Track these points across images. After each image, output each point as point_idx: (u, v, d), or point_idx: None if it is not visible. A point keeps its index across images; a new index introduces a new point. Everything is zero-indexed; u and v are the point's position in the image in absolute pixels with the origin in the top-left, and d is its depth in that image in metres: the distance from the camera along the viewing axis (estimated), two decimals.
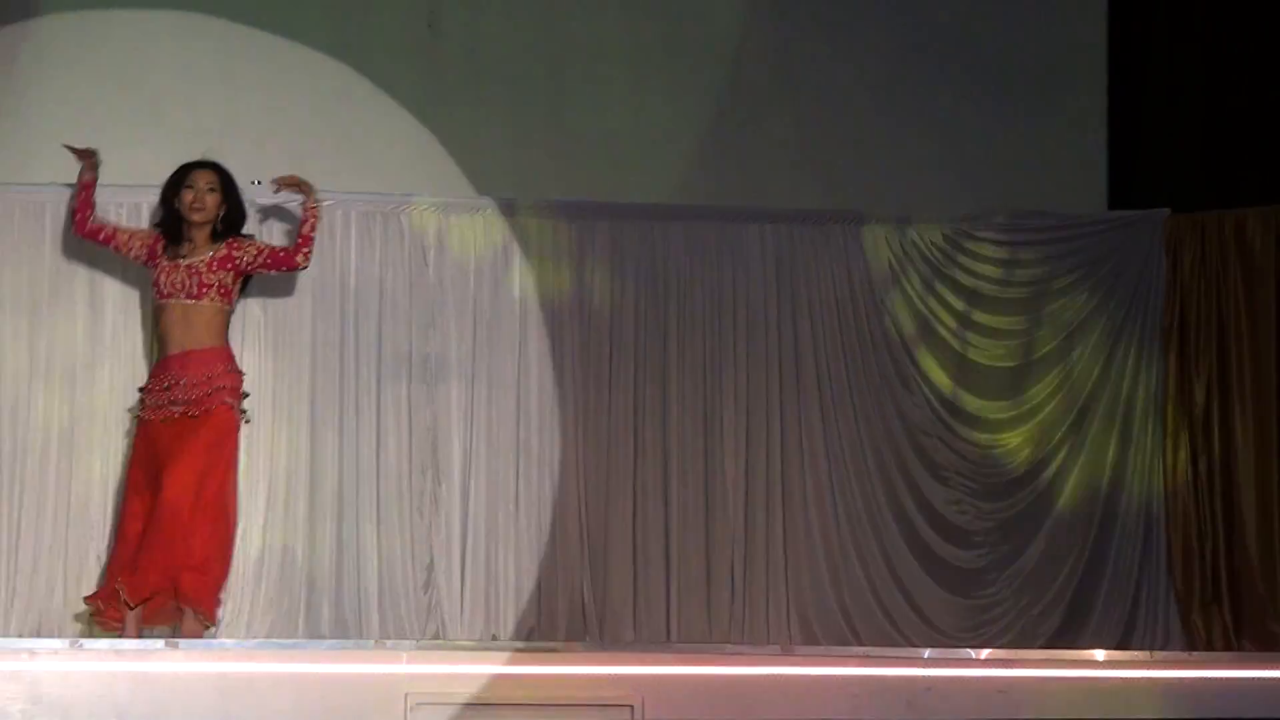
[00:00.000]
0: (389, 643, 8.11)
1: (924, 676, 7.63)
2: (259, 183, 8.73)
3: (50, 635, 8.28)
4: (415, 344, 8.97)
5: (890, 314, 9.43)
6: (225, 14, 8.96)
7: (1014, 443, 9.38)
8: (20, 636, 8.28)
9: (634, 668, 7.52)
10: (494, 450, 9.02)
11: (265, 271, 8.14)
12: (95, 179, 8.12)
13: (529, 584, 9.03)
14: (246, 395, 8.13)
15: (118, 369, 8.76)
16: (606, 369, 9.24)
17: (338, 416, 8.93)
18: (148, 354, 8.64)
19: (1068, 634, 9.16)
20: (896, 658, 8.00)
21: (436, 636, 8.69)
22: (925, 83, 9.63)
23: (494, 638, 8.73)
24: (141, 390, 8.02)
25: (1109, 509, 9.37)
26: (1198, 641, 9.12)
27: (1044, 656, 8.34)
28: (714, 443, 9.26)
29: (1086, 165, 9.71)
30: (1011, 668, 7.77)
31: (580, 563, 9.08)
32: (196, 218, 8.02)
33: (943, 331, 9.36)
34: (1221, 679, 7.83)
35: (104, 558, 8.52)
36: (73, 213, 8.22)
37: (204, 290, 7.95)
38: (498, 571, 8.96)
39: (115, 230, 8.13)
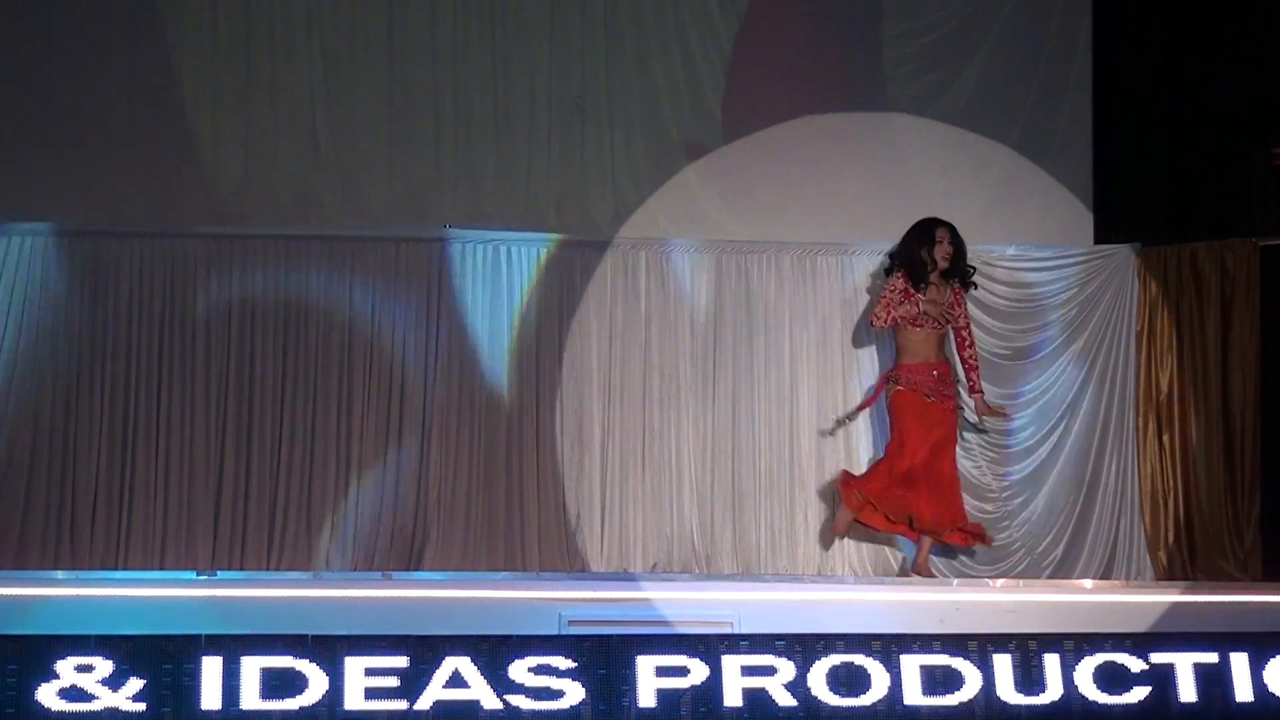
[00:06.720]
0: (547, 574, 9.05)
1: (952, 599, 8.44)
2: (448, 226, 9.68)
3: None
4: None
5: None
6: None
7: (1022, 421, 10.00)
8: None
9: (732, 593, 8.41)
10: (626, 430, 9.78)
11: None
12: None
13: (653, 530, 9.75)
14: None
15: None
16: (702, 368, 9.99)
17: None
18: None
19: (1064, 567, 9.83)
20: (932, 585, 8.92)
21: (582, 570, 9.43)
22: (961, 144, 10.29)
23: (625, 570, 9.38)
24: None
25: (1095, 471, 10.00)
26: (1161, 573, 9.77)
27: (1044, 584, 9.19)
28: (797, 419, 9.89)
29: (1078, 209, 10.28)
30: (1019, 592, 8.63)
31: (692, 513, 9.77)
32: (944, 265, 9.42)
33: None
34: (1180, 602, 8.61)
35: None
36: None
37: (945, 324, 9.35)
38: (629, 521, 9.70)
39: (898, 318, 9.32)
